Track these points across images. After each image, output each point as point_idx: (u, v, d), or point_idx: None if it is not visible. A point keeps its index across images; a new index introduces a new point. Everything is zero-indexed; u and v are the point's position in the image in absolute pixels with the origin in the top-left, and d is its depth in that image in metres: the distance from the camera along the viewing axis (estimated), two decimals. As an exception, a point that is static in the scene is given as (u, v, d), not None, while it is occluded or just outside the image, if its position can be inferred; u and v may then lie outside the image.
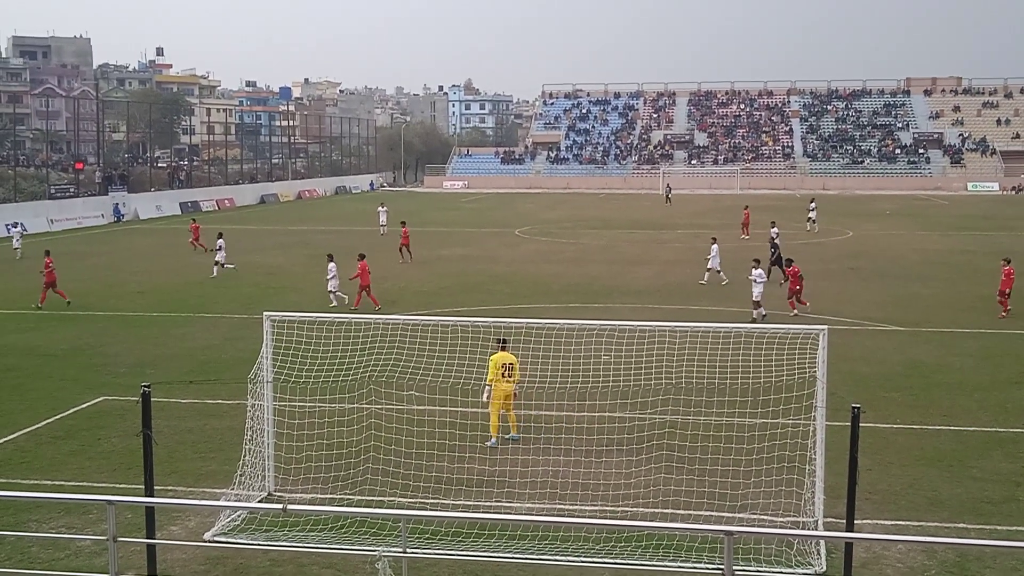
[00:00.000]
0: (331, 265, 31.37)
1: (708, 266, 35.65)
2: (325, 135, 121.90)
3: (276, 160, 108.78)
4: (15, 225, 47.85)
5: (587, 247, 49.64)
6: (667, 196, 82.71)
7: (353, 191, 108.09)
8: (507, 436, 17.04)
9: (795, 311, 28.91)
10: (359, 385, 17.21)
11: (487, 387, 16.83)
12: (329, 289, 31.18)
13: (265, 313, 15.04)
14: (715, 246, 35.76)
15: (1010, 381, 21.59)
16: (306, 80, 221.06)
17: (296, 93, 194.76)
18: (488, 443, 16.71)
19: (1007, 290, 28.97)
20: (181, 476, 15.65)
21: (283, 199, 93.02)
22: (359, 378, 16.99)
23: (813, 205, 58.60)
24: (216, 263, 38.86)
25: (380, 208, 57.80)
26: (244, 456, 14.30)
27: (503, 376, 16.74)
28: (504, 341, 17.41)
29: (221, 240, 39.74)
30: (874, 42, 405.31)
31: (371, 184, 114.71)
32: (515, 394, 17.24)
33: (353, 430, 16.18)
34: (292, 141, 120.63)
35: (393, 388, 17.75)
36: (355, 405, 17.27)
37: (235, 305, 31.70)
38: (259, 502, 14.17)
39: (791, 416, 15.39)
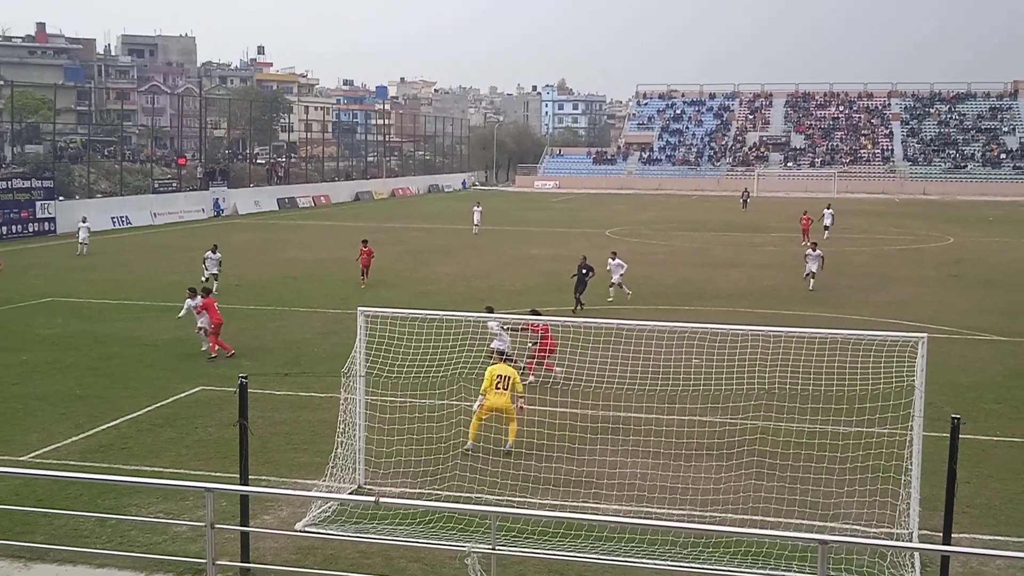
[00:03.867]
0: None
1: (612, 280, 32.21)
2: (419, 134, 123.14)
3: (371, 158, 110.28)
4: (84, 220, 47.43)
5: (678, 249, 49.23)
6: (744, 201, 79.35)
7: (446, 190, 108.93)
8: (505, 448, 16.52)
9: (532, 376, 20.45)
10: (450, 382, 17.34)
11: (480, 397, 16.61)
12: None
13: (359, 308, 15.26)
14: (615, 260, 32.28)
15: (1120, 396, 20.76)
16: (402, 79, 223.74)
17: (392, 92, 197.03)
18: (464, 448, 16.24)
19: None
20: (274, 466, 15.97)
21: (377, 197, 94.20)
22: (450, 375, 17.12)
23: (829, 211, 55.20)
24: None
25: (475, 208, 58.12)
26: (336, 448, 14.52)
27: (496, 388, 16.38)
28: (505, 355, 18.28)
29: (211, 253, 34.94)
30: (979, 43, 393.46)
31: (463, 183, 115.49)
32: (519, 407, 16.72)
33: (443, 426, 16.32)
34: (387, 139, 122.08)
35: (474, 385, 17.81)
36: (445, 401, 17.41)
37: (330, 300, 32.24)
38: (350, 494, 14.39)
39: (887, 425, 15.04)
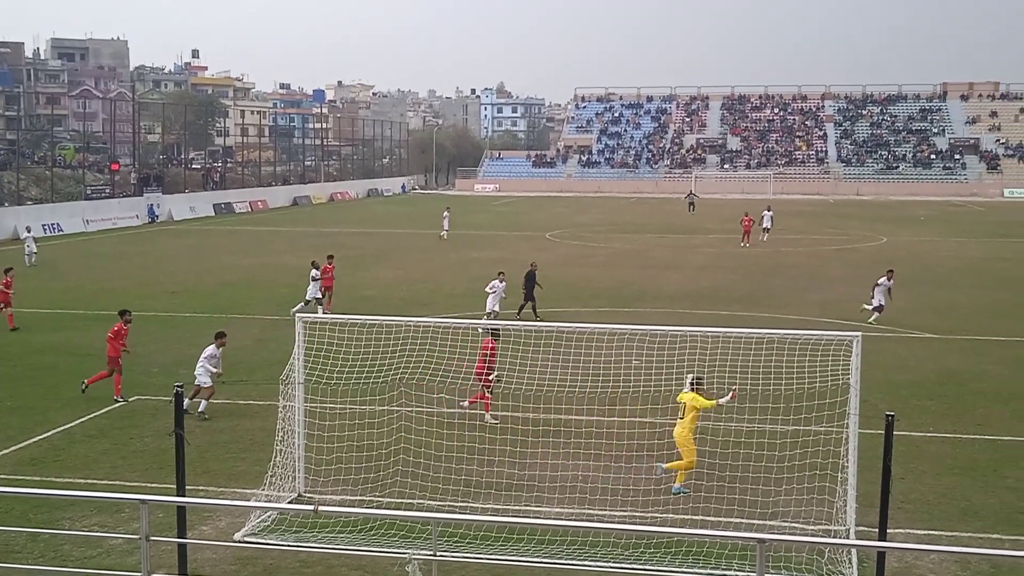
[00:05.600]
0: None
1: (488, 308, 28.57)
2: (358, 138, 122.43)
3: (309, 162, 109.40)
4: (28, 230, 46.32)
5: (618, 251, 49.53)
6: (690, 204, 78.44)
7: (385, 194, 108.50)
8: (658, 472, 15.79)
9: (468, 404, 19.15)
10: (390, 387, 17.25)
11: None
12: None
13: (297, 315, 15.11)
14: (499, 283, 29.01)
15: (1047, 390, 21.31)
16: (339, 83, 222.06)
17: (329, 96, 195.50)
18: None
19: None
20: (212, 476, 15.75)
21: (316, 201, 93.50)
22: (390, 380, 17.02)
23: (769, 213, 55.19)
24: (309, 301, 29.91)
25: (444, 213, 57.72)
26: (275, 457, 14.38)
27: (679, 416, 15.64)
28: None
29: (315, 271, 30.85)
30: (909, 46, 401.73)
31: (403, 187, 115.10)
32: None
33: (383, 432, 16.22)
34: (325, 143, 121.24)
35: (424, 391, 17.77)
36: (386, 407, 17.31)
37: (268, 306, 31.89)
38: (289, 503, 14.24)
39: (823, 423, 15.25)
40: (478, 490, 14.84)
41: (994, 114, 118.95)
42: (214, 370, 19.31)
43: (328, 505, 13.93)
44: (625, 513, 14.12)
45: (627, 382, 17.37)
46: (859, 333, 13.43)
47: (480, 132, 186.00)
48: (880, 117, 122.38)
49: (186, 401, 18.64)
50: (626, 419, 17.32)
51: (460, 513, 13.70)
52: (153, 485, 15.02)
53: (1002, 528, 13.82)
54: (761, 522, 13.70)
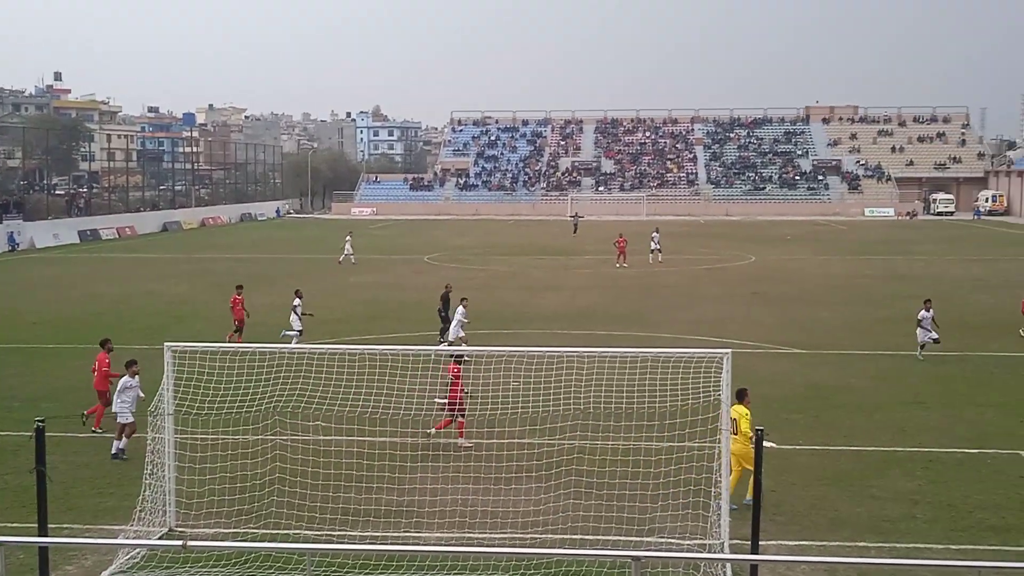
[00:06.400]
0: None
1: (451, 336, 27.73)
2: (230, 162, 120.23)
3: (179, 187, 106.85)
4: None
5: (496, 273, 49.75)
6: (575, 226, 79.49)
7: (259, 218, 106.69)
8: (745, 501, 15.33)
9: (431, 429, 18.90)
10: (264, 416, 16.89)
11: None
12: None
13: (166, 344, 14.70)
14: (462, 308, 28.12)
15: (906, 401, 22.22)
16: (210, 106, 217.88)
17: (200, 119, 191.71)
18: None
19: None
20: (78, 513, 15.13)
21: (187, 227, 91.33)
22: (264, 409, 16.68)
23: (656, 235, 56.28)
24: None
25: (347, 236, 56.91)
26: (144, 491, 13.92)
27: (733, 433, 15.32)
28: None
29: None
30: (774, 72, 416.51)
31: (277, 211, 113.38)
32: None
33: (258, 462, 15.87)
34: (196, 168, 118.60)
35: (299, 419, 17.46)
36: (260, 437, 16.93)
37: (136, 336, 30.87)
38: (159, 538, 13.78)
39: (697, 439, 15.57)
40: (356, 518, 14.63)
41: (854, 136, 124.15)
42: (131, 403, 18.29)
43: (200, 539, 13.55)
44: (505, 535, 14.11)
45: (505, 404, 17.40)
46: (729, 350, 13.76)
47: (356, 155, 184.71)
48: (747, 140, 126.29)
49: (118, 444, 17.91)
50: (505, 440, 17.33)
51: (338, 542, 13.49)
52: (14, 525, 14.35)
53: (869, 536, 14.30)
54: (638, 539, 13.87)
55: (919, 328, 25.50)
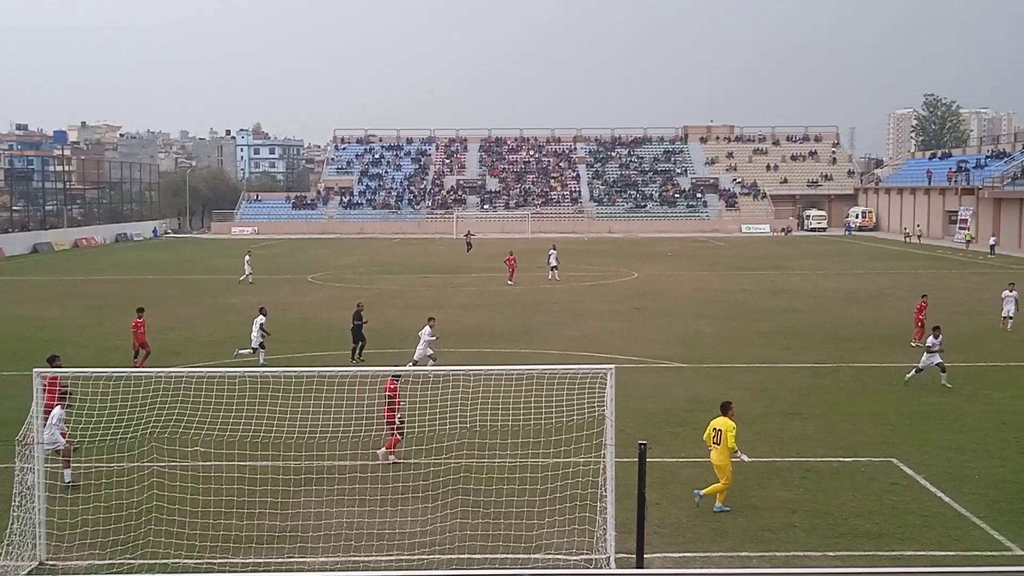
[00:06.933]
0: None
1: (417, 355, 27.60)
2: (104, 180, 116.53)
3: (50, 207, 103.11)
4: None
5: (382, 292, 49.35)
6: (468, 244, 79.24)
7: (135, 238, 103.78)
8: (696, 497, 16.41)
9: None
10: (140, 443, 16.35)
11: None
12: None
13: (35, 370, 14.11)
14: (428, 328, 27.86)
15: (784, 412, 22.80)
16: (83, 123, 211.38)
17: (72, 137, 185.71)
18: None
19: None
20: (-61, 550, 14.35)
21: (58, 247, 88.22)
22: (140, 436, 16.15)
23: (554, 251, 56.35)
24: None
25: (247, 256, 55.58)
26: (12, 524, 13.31)
27: (714, 442, 16.39)
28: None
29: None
30: (654, 92, 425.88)
31: (154, 231, 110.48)
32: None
33: (134, 491, 15.35)
34: (68, 187, 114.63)
35: (177, 445, 16.96)
36: (136, 464, 16.38)
37: (2, 362, 29.63)
38: (29, 573, 13.19)
39: (582, 455, 15.67)
40: (238, 544, 14.26)
41: (730, 155, 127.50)
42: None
43: (73, 572, 13.02)
44: (392, 558, 13.94)
45: (391, 423, 17.23)
46: (613, 366, 13.90)
47: (237, 174, 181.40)
48: (628, 159, 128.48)
49: (67, 473, 16.92)
50: (390, 461, 17.16)
51: (219, 570, 13.12)
52: None
53: (750, 546, 14.59)
54: (526, 556, 13.87)
55: (926, 354, 25.74)
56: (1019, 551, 14.35)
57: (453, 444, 16.74)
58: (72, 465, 16.42)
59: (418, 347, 27.56)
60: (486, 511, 15.05)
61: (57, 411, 17.25)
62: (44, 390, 18.18)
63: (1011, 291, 35.04)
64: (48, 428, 17.02)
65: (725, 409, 16.57)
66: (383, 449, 18.16)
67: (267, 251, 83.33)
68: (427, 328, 27.74)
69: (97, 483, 15.29)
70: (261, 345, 28.87)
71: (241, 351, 28.87)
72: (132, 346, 28.50)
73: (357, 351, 29.46)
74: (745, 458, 16.56)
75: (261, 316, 29.59)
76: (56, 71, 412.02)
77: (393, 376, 18.31)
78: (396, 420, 18.15)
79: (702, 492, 16.24)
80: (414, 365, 26.13)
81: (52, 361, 19.47)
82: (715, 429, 16.27)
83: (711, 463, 16.27)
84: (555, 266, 54.94)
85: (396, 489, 16.09)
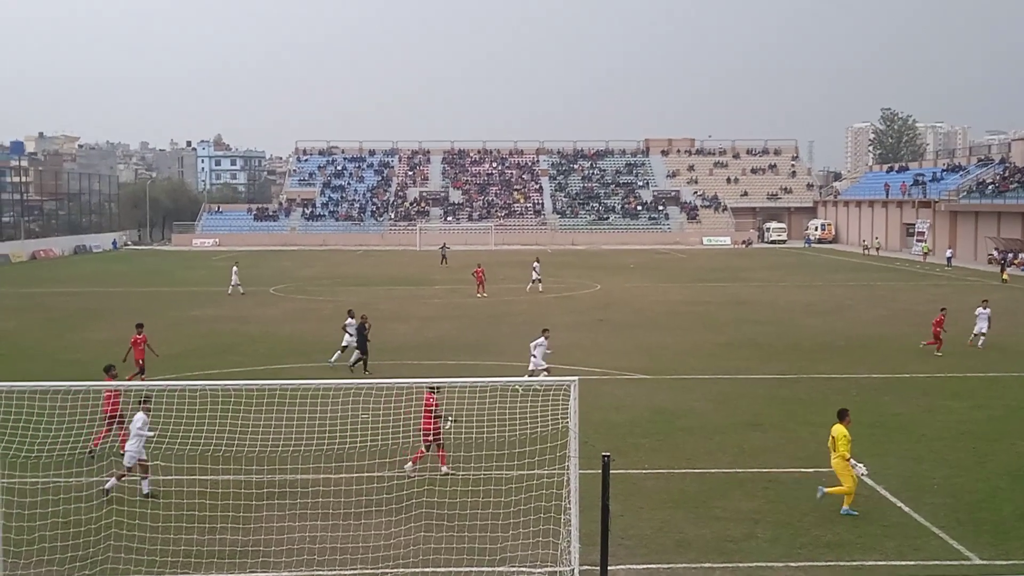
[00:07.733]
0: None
1: (532, 366, 26.94)
2: (62, 192, 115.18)
3: (7, 219, 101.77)
4: None
5: (345, 304, 48.99)
6: (443, 256, 78.94)
7: (95, 250, 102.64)
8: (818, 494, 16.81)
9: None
10: (99, 458, 16.14)
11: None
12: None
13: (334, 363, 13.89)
14: (543, 339, 27.38)
15: (745, 423, 22.94)
16: (40, 134, 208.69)
17: (30, 148, 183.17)
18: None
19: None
20: None
21: (15, 260, 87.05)
22: (99, 450, 15.94)
23: (537, 264, 56.98)
24: None
25: (233, 267, 55.10)
26: (-34, 542, 13.05)
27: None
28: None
29: None
30: (615, 105, 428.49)
31: (114, 243, 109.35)
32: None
33: (92, 506, 15.13)
34: (25, 198, 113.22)
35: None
36: (95, 479, 16.17)
37: (-41, 375, 29.15)
38: (-16, 591, 12.96)
39: (546, 467, 15.66)
40: (199, 560, 14.11)
41: (691, 168, 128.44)
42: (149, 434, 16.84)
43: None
44: (356, 571, 13.85)
45: (354, 437, 17.15)
46: (576, 378, 13.90)
47: (198, 185, 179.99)
48: (591, 171, 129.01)
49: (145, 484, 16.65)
50: (354, 475, 17.06)
51: (179, 586, 12.96)
52: None
53: (713, 557, 14.64)
54: (491, 569, 13.83)
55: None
56: (978, 560, 14.52)
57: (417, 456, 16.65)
58: (28, 481, 16.16)
59: (533, 359, 26.64)
60: (450, 524, 15.00)
61: (140, 416, 16.83)
62: (108, 400, 18.01)
63: (984, 308, 34.21)
64: (134, 438, 16.72)
65: (841, 416, 16.95)
66: (409, 464, 18.09)
67: (229, 263, 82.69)
68: (541, 339, 27.18)
69: (55, 498, 15.06)
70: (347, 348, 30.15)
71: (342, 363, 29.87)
72: (135, 363, 27.29)
73: (363, 364, 29.08)
74: (862, 468, 16.49)
75: (349, 319, 30.86)
76: (13, 81, 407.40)
77: (429, 388, 18.16)
78: (432, 433, 18.08)
79: (826, 490, 16.61)
80: (530, 376, 25.17)
81: (108, 371, 19.60)
82: (832, 436, 16.66)
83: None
84: (537, 279, 55.26)
85: (359, 503, 15.99)
